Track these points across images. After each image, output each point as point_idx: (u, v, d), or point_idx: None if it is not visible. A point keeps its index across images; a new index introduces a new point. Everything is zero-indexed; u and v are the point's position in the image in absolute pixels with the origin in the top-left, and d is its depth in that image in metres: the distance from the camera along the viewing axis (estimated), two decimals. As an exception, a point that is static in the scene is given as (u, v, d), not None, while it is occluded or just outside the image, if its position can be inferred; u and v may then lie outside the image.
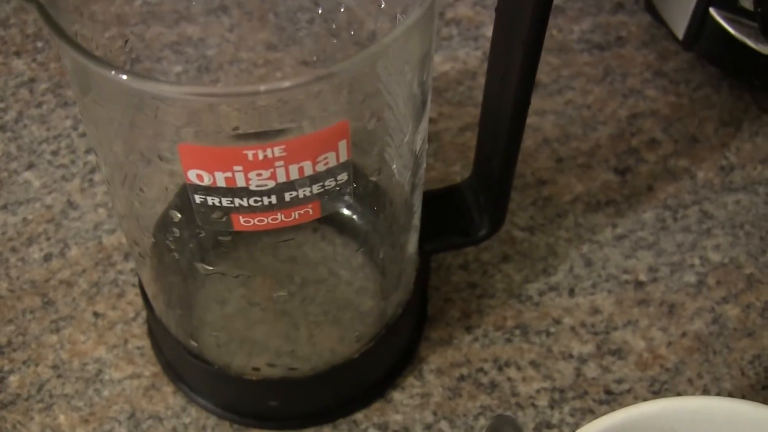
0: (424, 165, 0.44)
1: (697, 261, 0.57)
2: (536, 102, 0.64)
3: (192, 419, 0.50)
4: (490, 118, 0.46)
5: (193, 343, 0.48)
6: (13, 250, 0.57)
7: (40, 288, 0.55)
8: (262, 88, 0.31)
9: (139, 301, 0.54)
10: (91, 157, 0.61)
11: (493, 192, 0.49)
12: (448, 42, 0.68)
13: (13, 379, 0.52)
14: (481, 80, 0.65)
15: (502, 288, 0.55)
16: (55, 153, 0.62)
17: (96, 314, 0.54)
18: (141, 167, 0.40)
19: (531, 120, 0.62)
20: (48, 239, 0.58)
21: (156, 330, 0.51)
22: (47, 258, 0.57)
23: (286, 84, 0.31)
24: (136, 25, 0.49)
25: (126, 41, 0.45)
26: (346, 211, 0.52)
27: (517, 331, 0.54)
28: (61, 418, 0.51)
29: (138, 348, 0.53)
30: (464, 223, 0.51)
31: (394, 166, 0.43)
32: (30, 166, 0.61)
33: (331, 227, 0.52)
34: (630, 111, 0.64)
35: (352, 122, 0.34)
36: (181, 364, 0.50)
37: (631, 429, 0.37)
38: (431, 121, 0.63)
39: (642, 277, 0.56)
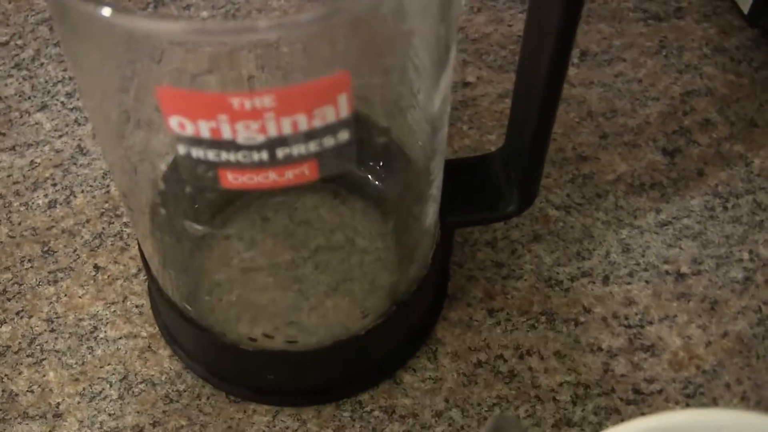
0: (446, 129, 0.40)
1: (746, 255, 0.52)
2: (583, 72, 0.60)
3: (187, 386, 0.47)
4: (524, 85, 0.43)
5: (188, 307, 0.45)
6: (17, 194, 0.54)
7: (41, 236, 0.53)
8: (262, 24, 0.28)
9: (143, 256, 0.52)
10: (106, 101, 0.58)
11: (524, 165, 0.45)
12: (494, 2, 0.64)
13: (5, 330, 0.49)
14: (528, 46, 0.61)
15: (530, 270, 0.52)
16: (69, 95, 0.59)
17: (96, 267, 0.52)
18: (144, 115, 0.37)
19: (576, 91, 0.59)
20: (54, 185, 0.55)
21: (153, 290, 0.48)
22: (51, 205, 0.54)
23: (285, 20, 0.28)
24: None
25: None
26: (370, 177, 0.48)
27: (543, 318, 0.50)
28: (51, 374, 0.48)
29: (137, 306, 0.50)
30: (492, 197, 0.47)
31: (413, 128, 0.40)
32: (42, 107, 0.58)
33: (354, 194, 0.49)
34: (684, 88, 0.60)
35: (363, 73, 0.31)
36: (177, 327, 0.47)
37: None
38: (469, 85, 0.59)
39: (684, 268, 0.52)
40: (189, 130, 0.31)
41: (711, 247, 0.53)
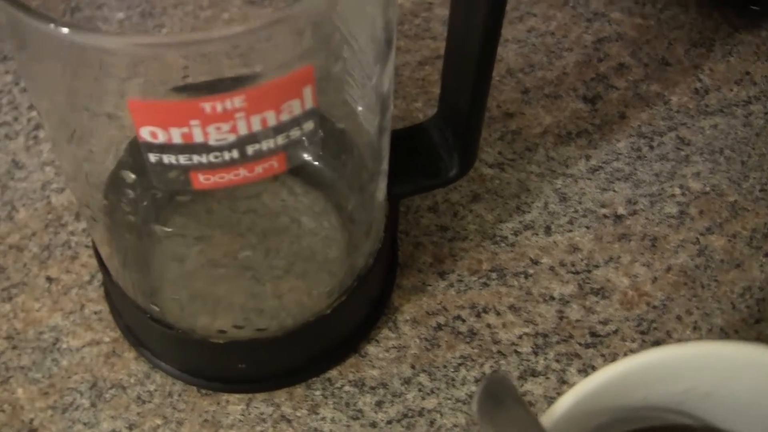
0: (392, 107, 0.41)
1: (677, 190, 0.54)
2: (498, 31, 0.61)
3: (157, 386, 0.48)
4: (455, 51, 0.44)
5: (154, 307, 0.45)
6: (-43, 215, 0.54)
7: (-12, 255, 0.53)
8: (215, 34, 0.28)
9: (94, 263, 0.52)
10: (35, 113, 0.58)
11: (462, 130, 0.46)
12: (403, -28, 0.65)
13: (-35, 353, 0.49)
14: (438, 11, 0.62)
15: (474, 229, 0.53)
16: (-6, 111, 0.58)
17: (49, 279, 0.52)
18: (87, 124, 0.37)
19: (495, 51, 0.60)
20: (-7, 202, 0.55)
21: (113, 293, 0.48)
22: (-7, 222, 0.54)
23: (238, 29, 0.28)
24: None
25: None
26: (308, 158, 0.49)
27: (494, 275, 0.51)
28: (19, 391, 0.48)
29: (95, 313, 0.50)
30: (433, 164, 0.48)
31: (360, 109, 0.40)
32: (-31, 126, 0.58)
33: (294, 177, 0.49)
34: (596, 36, 0.62)
35: (316, 65, 0.32)
36: (142, 328, 0.48)
37: (634, 377, 0.34)
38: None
39: (620, 210, 0.54)
40: (161, 138, 0.31)
41: (643, 186, 0.55)
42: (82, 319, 0.50)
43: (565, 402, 0.34)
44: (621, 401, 0.35)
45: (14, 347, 0.49)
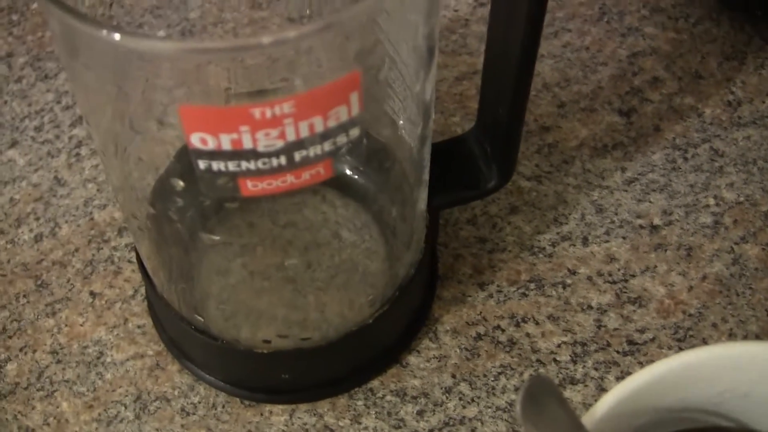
0: (433, 116, 0.42)
1: (711, 201, 0.55)
2: (533, 47, 0.62)
3: (201, 398, 0.49)
4: (494, 64, 0.44)
5: (199, 318, 0.46)
6: (2, 232, 0.55)
7: (33, 270, 0.53)
8: (265, 40, 0.29)
9: (137, 277, 0.52)
10: (77, 131, 0.59)
11: (500, 141, 0.47)
12: (438, -10, 0.65)
13: (11, 368, 0.50)
14: (474, 27, 0.63)
15: (512, 241, 0.53)
16: (38, 129, 0.59)
17: (92, 294, 0.52)
18: (135, 134, 0.38)
19: (530, 65, 0.60)
20: (37, 219, 0.55)
21: (157, 306, 0.49)
22: (38, 239, 0.55)
23: (289, 34, 0.29)
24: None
25: (110, 5, 0.43)
26: (348, 172, 0.49)
27: (532, 285, 0.52)
28: (64, 405, 0.49)
29: (139, 327, 0.51)
30: (472, 175, 0.49)
31: (401, 120, 0.41)
32: (13, 144, 0.59)
33: (334, 189, 0.50)
34: (630, 50, 0.62)
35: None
36: (186, 340, 0.48)
37: (672, 378, 0.35)
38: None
39: (656, 220, 0.54)
40: (210, 144, 0.32)
41: (678, 197, 0.55)
42: (125, 333, 0.51)
43: (607, 402, 0.34)
44: (660, 402, 0.36)
45: (59, 361, 0.50)
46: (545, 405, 0.33)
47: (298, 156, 0.33)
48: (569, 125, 0.58)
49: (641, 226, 0.54)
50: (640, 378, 0.35)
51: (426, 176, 0.44)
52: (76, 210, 0.56)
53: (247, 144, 0.32)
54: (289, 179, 0.34)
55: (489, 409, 0.48)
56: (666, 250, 0.53)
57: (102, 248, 0.54)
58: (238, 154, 0.32)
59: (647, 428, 0.37)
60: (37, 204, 0.56)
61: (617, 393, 0.34)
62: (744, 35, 0.63)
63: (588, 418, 0.34)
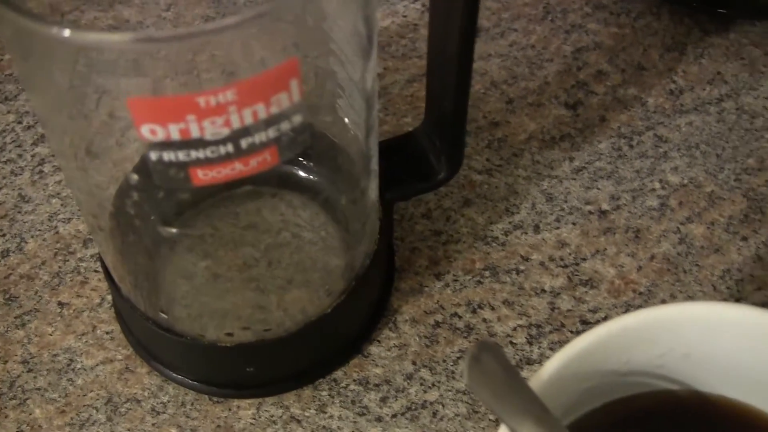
0: (377, 107, 0.44)
1: (657, 185, 0.57)
2: (480, 47, 0.64)
3: (170, 397, 0.50)
4: (437, 61, 0.46)
5: (164, 316, 0.47)
6: (-31, 250, 0.56)
7: (1, 285, 0.54)
8: (207, 27, 0.30)
9: (104, 286, 0.54)
10: (39, 149, 0.60)
11: (448, 134, 0.49)
12: (386, -3, 0.67)
13: (-17, 379, 0.51)
14: (423, 32, 0.65)
15: (466, 232, 0.55)
16: (0, 149, 0.60)
17: (61, 304, 0.53)
18: (91, 130, 0.39)
19: (477, 65, 0.62)
20: (3, 235, 0.56)
21: (124, 310, 0.50)
22: (4, 254, 0.56)
23: (230, 20, 0.30)
24: (71, 12, 0.48)
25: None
26: (302, 173, 0.51)
27: (487, 273, 0.53)
28: (37, 411, 0.50)
29: (107, 333, 0.52)
30: (423, 168, 0.51)
31: (344, 109, 0.43)
32: (-25, 165, 0.60)
33: (289, 189, 0.52)
34: (574, 46, 0.64)
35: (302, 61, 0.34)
36: (153, 340, 0.50)
37: (615, 340, 0.36)
38: (377, 76, 0.62)
39: (605, 206, 0.56)
40: (160, 134, 0.33)
41: (625, 182, 0.57)
42: (94, 339, 0.52)
43: (552, 366, 0.36)
44: (604, 365, 0.37)
45: (30, 370, 0.51)
46: (489, 366, 0.34)
47: (244, 143, 0.35)
48: (518, 120, 0.60)
49: (590, 212, 0.56)
50: (583, 341, 0.36)
51: (374, 166, 0.46)
52: (41, 225, 0.57)
53: (195, 133, 0.33)
54: (238, 167, 0.35)
55: (449, 393, 0.49)
56: (615, 234, 0.55)
57: (68, 260, 0.55)
58: (186, 144, 0.34)
59: (595, 392, 0.38)
60: (2, 221, 0.57)
61: (561, 356, 0.36)
62: (683, 27, 0.65)
63: (535, 382, 0.35)
